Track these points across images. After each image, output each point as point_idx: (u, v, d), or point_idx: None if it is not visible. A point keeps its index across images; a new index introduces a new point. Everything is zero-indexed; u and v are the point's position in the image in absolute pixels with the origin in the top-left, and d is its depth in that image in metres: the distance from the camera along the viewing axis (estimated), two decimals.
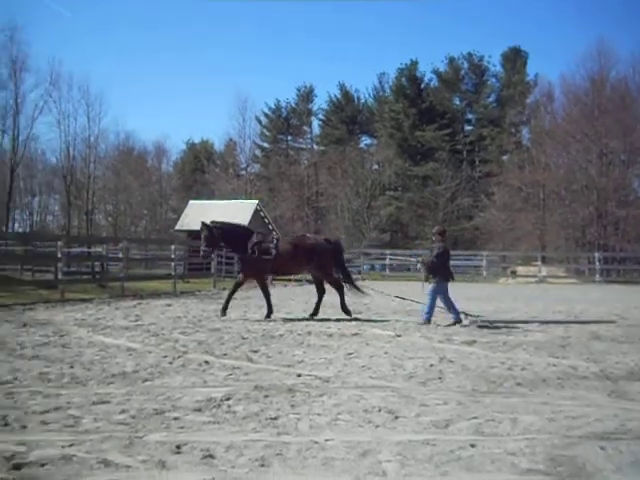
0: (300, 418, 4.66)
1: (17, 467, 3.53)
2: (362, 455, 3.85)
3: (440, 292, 11.21)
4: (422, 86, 67.97)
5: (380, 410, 4.90)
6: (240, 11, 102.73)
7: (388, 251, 38.84)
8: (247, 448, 3.93)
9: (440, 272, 11.31)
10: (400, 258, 31.85)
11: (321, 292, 12.38)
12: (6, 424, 4.37)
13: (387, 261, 37.14)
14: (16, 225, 59.24)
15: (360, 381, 6.04)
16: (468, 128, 69.04)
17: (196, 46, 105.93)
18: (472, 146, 66.06)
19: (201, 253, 12.60)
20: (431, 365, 6.97)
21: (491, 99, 68.08)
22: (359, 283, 13.51)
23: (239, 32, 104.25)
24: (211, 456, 3.78)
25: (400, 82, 68.18)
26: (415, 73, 67.71)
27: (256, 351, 7.81)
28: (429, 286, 11.36)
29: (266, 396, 5.29)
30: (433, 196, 58.23)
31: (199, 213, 38.80)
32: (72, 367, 6.55)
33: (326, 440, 4.11)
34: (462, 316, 11.19)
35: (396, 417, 4.73)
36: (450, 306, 11.22)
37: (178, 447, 3.93)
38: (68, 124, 49.28)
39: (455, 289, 11.99)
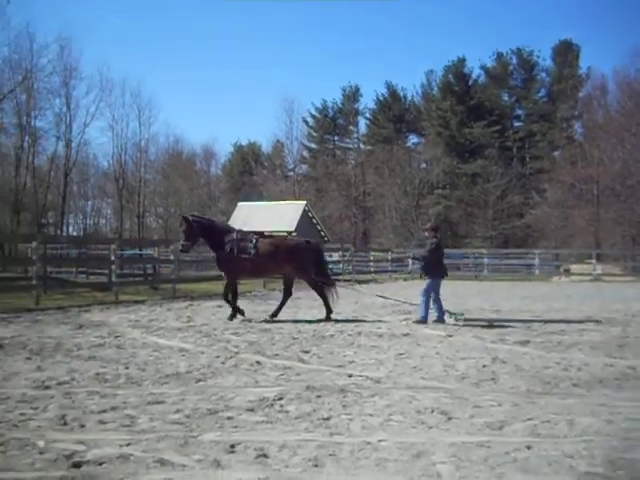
0: (352, 419, 4.66)
1: (77, 465, 3.62)
2: (416, 456, 3.83)
3: (433, 289, 11.08)
4: (470, 83, 67.10)
5: (433, 411, 4.87)
6: (285, 11, 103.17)
7: None
8: (300, 448, 3.96)
9: (434, 269, 11.18)
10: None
11: (287, 295, 12.17)
12: (65, 423, 4.49)
13: None
14: (70, 228, 60.83)
15: (412, 382, 6.00)
16: (517, 124, 67.74)
17: (243, 49, 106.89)
18: (522, 142, 64.83)
19: (179, 247, 12.34)
20: (484, 366, 6.89)
21: (541, 94, 66.71)
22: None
23: (285, 33, 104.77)
24: (265, 455, 3.81)
25: (447, 79, 67.46)
26: (462, 70, 66.89)
27: (307, 351, 7.84)
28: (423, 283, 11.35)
29: (318, 396, 5.31)
30: (482, 194, 57.41)
31: (248, 215, 39.25)
32: (127, 368, 6.69)
33: (379, 441, 4.10)
34: (446, 316, 11.11)
35: (449, 418, 4.70)
36: (438, 305, 11.11)
37: (232, 446, 3.98)
38: (120, 129, 50.41)
39: (508, 288, 11.85)
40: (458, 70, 66.69)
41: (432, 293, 11.06)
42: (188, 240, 11.77)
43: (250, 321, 11.21)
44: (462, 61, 66.80)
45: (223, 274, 12.37)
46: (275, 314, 11.75)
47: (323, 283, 12.10)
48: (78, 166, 49.35)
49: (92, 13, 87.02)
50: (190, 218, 11.85)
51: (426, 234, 11.88)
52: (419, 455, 3.86)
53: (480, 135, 62.33)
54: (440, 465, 3.69)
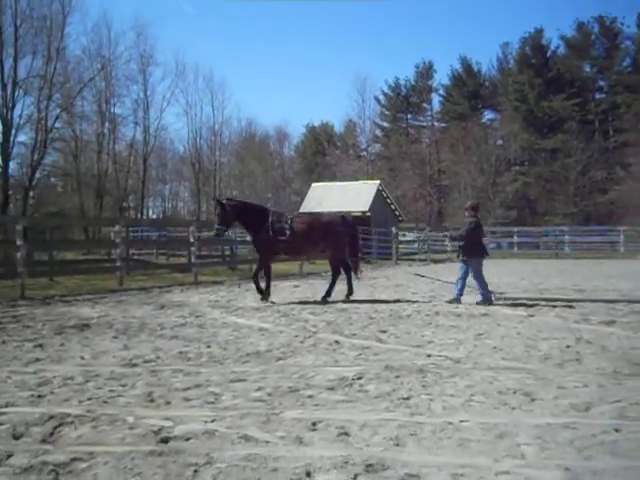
0: (433, 399, 4.62)
1: (164, 441, 3.74)
2: (499, 437, 3.77)
3: (474, 270, 10.77)
4: (548, 54, 64.83)
5: (515, 392, 4.78)
6: None
7: (516, 228, 37.59)
8: (381, 427, 3.96)
9: (473, 249, 10.85)
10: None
11: (336, 274, 11.99)
12: (152, 400, 4.64)
13: (515, 239, 35.96)
14: (150, 212, 62.67)
15: (492, 362, 5.90)
16: (600, 96, 65.05)
17: (314, 28, 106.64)
18: (605, 115, 62.25)
19: (214, 231, 12.01)
20: (567, 346, 6.70)
21: (626, 63, 63.70)
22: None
23: (356, 10, 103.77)
24: (346, 434, 3.84)
25: (524, 51, 65.39)
26: (540, 41, 64.67)
27: (384, 331, 7.83)
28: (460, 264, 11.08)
29: (397, 376, 5.29)
30: (563, 170, 55.57)
31: (322, 195, 39.32)
32: (209, 346, 6.85)
33: (461, 421, 4.06)
34: (493, 297, 10.83)
35: (533, 399, 4.60)
36: (483, 285, 10.76)
37: (314, 424, 4.02)
38: (194, 113, 51.35)
39: (592, 266, 11.43)
40: (536, 42, 64.51)
41: (471, 274, 10.77)
42: (222, 224, 11.53)
43: (274, 303, 11.15)
44: (540, 32, 64.63)
45: (259, 256, 12.23)
46: (328, 294, 11.61)
47: (353, 262, 12.05)
48: (156, 151, 50.60)
49: (166, 1, 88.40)
50: (224, 202, 11.69)
51: (466, 213, 11.50)
52: (502, 436, 3.79)
53: (560, 108, 60.18)
54: (524, 446, 3.62)
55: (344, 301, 11.36)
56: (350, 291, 11.76)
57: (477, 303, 10.63)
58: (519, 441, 3.70)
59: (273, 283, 15.65)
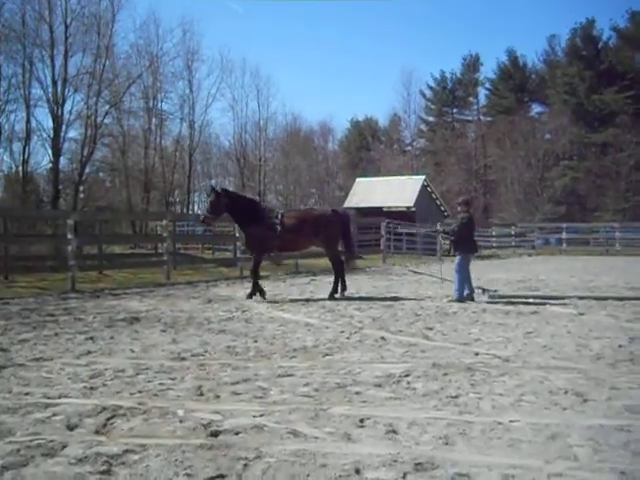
0: (481, 397, 4.57)
1: (214, 434, 3.78)
2: (550, 438, 3.71)
3: (460, 264, 10.64)
4: (600, 46, 63.20)
5: (567, 392, 4.69)
6: None
7: (564, 224, 36.85)
8: (430, 425, 3.93)
9: (464, 244, 10.70)
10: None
11: (338, 271, 11.61)
12: (201, 394, 4.70)
13: (563, 235, 35.26)
14: (195, 207, 63.40)
15: (542, 361, 5.79)
16: None
17: (358, 22, 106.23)
18: None
19: (201, 217, 11.82)
20: (620, 346, 6.54)
21: None
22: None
23: (402, 3, 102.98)
24: (394, 431, 3.82)
25: (574, 43, 63.86)
26: (591, 32, 63.09)
27: (431, 328, 7.77)
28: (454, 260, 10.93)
29: (445, 374, 5.24)
30: (614, 164, 54.12)
31: (366, 190, 39.23)
32: (256, 341, 6.90)
33: (510, 421, 4.00)
34: (478, 292, 10.71)
35: (585, 400, 4.50)
36: (464, 282, 10.61)
37: (362, 421, 4.01)
38: (240, 109, 51.68)
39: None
40: (586, 33, 62.93)
41: (459, 267, 10.65)
42: (212, 213, 11.27)
43: (276, 302, 11.03)
44: (591, 23, 63.00)
45: (250, 251, 12.05)
46: (334, 292, 11.40)
47: (348, 257, 11.88)
48: (201, 146, 51.06)
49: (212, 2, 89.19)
50: (219, 190, 11.44)
51: (458, 208, 11.32)
52: (554, 437, 3.73)
53: (611, 101, 58.61)
54: (577, 448, 3.55)
55: (340, 298, 11.19)
56: (344, 287, 11.56)
57: (449, 300, 10.55)
58: (571, 442, 3.63)
59: (317, 277, 15.79)
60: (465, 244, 10.77)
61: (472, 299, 10.60)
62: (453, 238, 10.98)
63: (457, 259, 10.85)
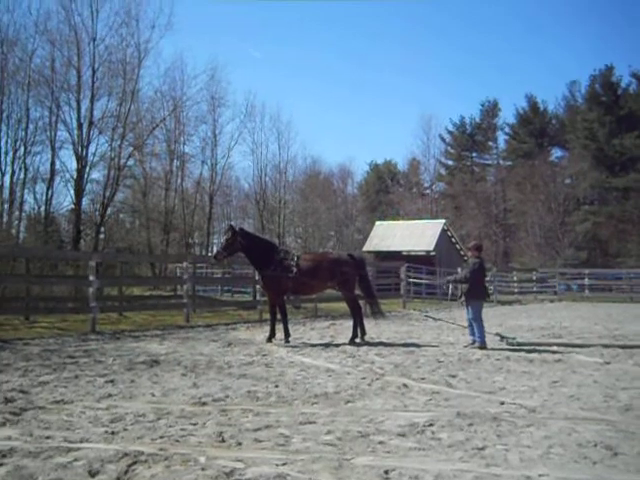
0: (508, 449, 4.46)
1: None
2: None
3: (474, 311, 10.54)
4: (619, 92, 63.43)
5: (596, 445, 4.56)
6: (419, 30, 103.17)
7: (587, 270, 36.43)
8: (456, 478, 3.84)
9: (474, 290, 10.56)
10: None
11: (357, 314, 11.58)
12: (223, 440, 4.64)
13: (586, 281, 34.84)
14: (214, 249, 63.74)
15: (570, 412, 5.67)
16: None
17: (378, 67, 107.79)
18: None
19: (214, 253, 11.64)
20: None
21: None
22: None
23: (419, 49, 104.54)
24: None
25: (594, 89, 64.17)
26: (611, 79, 63.42)
27: (454, 376, 7.65)
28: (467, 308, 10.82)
29: (470, 424, 5.13)
30: (636, 209, 53.70)
31: (385, 234, 39.21)
32: (277, 386, 6.83)
33: (539, 475, 3.89)
34: (496, 339, 10.73)
35: (615, 454, 4.38)
36: (481, 328, 10.53)
37: (386, 472, 3.93)
38: (260, 152, 52.21)
39: None
40: (606, 79, 63.28)
41: (470, 315, 10.59)
42: (226, 250, 11.28)
43: (296, 346, 10.99)
44: (610, 69, 63.37)
45: (266, 293, 12.01)
46: (354, 337, 11.35)
47: (368, 302, 11.79)
48: (222, 188, 51.49)
49: (235, 45, 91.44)
50: (237, 230, 11.44)
51: (469, 253, 11.21)
52: None
53: (632, 146, 58.47)
54: None
55: (361, 343, 11.11)
56: (363, 332, 11.48)
57: (472, 347, 10.41)
58: None
59: (337, 321, 15.69)
60: (476, 290, 10.67)
61: (485, 347, 10.42)
62: (467, 285, 10.82)
63: (471, 308, 10.70)
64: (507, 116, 74.72)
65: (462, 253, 40.20)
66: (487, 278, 12.40)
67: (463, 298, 10.86)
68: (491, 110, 70.77)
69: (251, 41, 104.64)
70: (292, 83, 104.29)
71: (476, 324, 10.52)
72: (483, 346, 10.31)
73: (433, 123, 64.34)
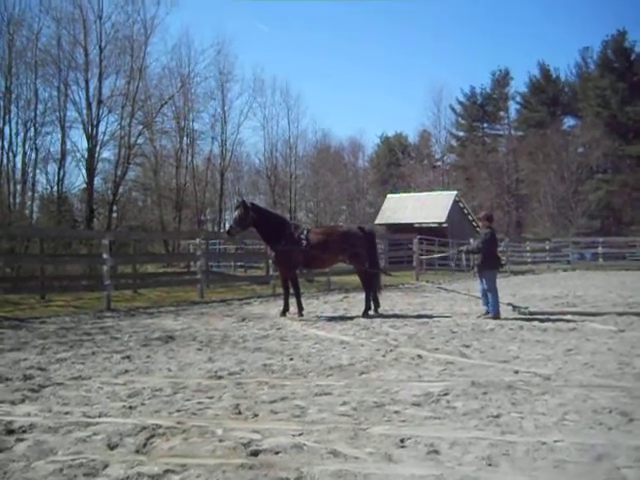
0: (523, 417, 4.47)
1: (254, 454, 3.76)
2: (597, 459, 3.61)
3: (488, 282, 10.52)
4: (632, 57, 62.41)
5: (611, 411, 4.56)
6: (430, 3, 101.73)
7: (600, 239, 36.23)
8: (472, 445, 3.85)
9: (487, 260, 10.55)
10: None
11: (368, 287, 11.51)
12: (239, 412, 4.68)
13: (599, 249, 34.66)
14: (226, 225, 63.83)
15: (584, 379, 5.67)
16: None
17: (388, 39, 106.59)
18: None
19: (226, 228, 11.56)
20: None
21: None
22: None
23: (432, 19, 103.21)
24: (436, 452, 3.75)
25: (606, 55, 63.20)
26: (623, 44, 62.39)
27: (468, 346, 7.66)
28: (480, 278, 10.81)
29: (484, 393, 5.15)
30: None
31: (397, 207, 39.13)
32: (292, 359, 6.88)
33: (555, 441, 3.90)
34: (509, 309, 10.66)
35: (631, 420, 4.38)
36: (496, 298, 10.51)
37: (402, 441, 3.95)
38: (271, 127, 51.99)
39: None
40: (618, 45, 62.28)
41: (488, 285, 10.55)
42: (239, 225, 11.23)
43: (310, 319, 11.00)
44: (622, 35, 62.32)
45: (277, 267, 12.06)
46: (367, 309, 11.32)
47: (376, 274, 11.71)
48: (232, 165, 51.43)
49: (242, 21, 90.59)
50: (249, 205, 11.42)
51: (480, 224, 11.12)
52: (600, 458, 3.62)
53: None
54: (626, 469, 3.45)
55: (375, 315, 11.14)
56: (377, 304, 11.49)
57: (485, 317, 10.41)
58: (619, 464, 3.53)
59: (350, 295, 15.73)
60: (488, 260, 10.65)
61: (499, 316, 10.44)
62: (480, 256, 10.80)
63: (485, 279, 10.68)
64: (519, 85, 73.91)
65: (474, 224, 40.09)
66: (499, 248, 12.28)
67: (476, 269, 10.86)
68: (502, 79, 69.96)
69: (258, 15, 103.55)
70: (300, 57, 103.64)
71: (490, 294, 10.51)
72: (497, 316, 10.32)
73: (444, 94, 63.96)
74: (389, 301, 13.65)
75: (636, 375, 5.83)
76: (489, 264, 10.64)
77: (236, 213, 11.34)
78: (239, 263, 29.69)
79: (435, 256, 20.11)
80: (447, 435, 4.06)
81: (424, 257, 21.55)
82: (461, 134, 72.34)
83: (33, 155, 30.33)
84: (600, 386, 5.39)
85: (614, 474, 3.39)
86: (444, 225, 36.02)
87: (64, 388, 5.53)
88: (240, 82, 46.72)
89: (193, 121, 42.62)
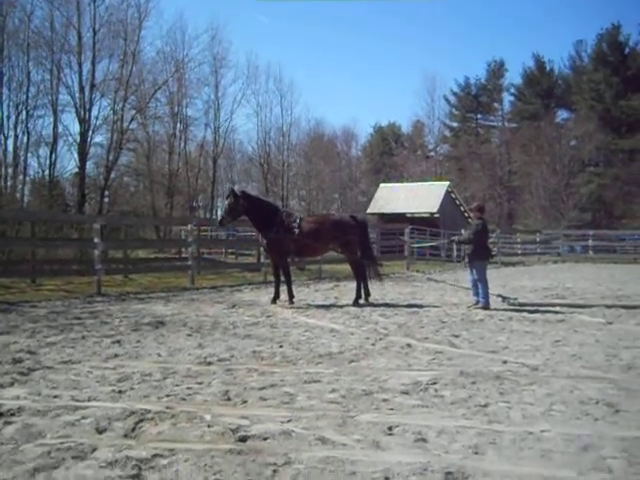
0: (511, 407, 4.51)
1: (243, 439, 3.78)
2: (583, 449, 3.65)
3: (478, 272, 10.56)
4: (626, 51, 62.48)
5: (598, 402, 4.61)
6: None
7: (591, 232, 36.39)
8: (459, 434, 3.89)
9: (478, 251, 10.59)
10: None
11: (359, 276, 11.52)
12: (229, 398, 4.70)
13: (590, 242, 34.82)
14: (219, 212, 63.69)
15: (572, 371, 5.71)
16: None
17: (382, 27, 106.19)
18: None
19: (219, 219, 11.66)
20: None
21: None
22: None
23: (426, 9, 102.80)
24: (423, 440, 3.78)
25: (600, 49, 63.21)
26: (617, 38, 62.41)
27: (457, 336, 7.71)
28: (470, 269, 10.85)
29: (473, 382, 5.19)
30: None
31: (389, 196, 39.15)
32: (281, 346, 6.90)
33: (541, 431, 3.94)
34: (498, 300, 10.74)
35: (617, 411, 4.43)
36: (485, 289, 10.55)
37: (390, 429, 3.98)
38: (264, 114, 51.75)
39: None
40: (612, 38, 62.29)
41: (478, 275, 10.58)
42: (230, 215, 11.20)
43: (301, 307, 10.97)
44: (617, 28, 62.33)
45: (269, 255, 12.19)
46: (358, 298, 11.33)
47: (370, 264, 11.70)
48: (225, 152, 51.22)
49: (237, 6, 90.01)
50: (239, 193, 11.34)
51: (472, 215, 11.15)
52: (587, 448, 3.66)
53: (639, 107, 57.89)
54: (611, 460, 3.49)
55: (365, 304, 11.15)
56: (367, 293, 11.51)
57: (475, 307, 10.44)
58: (604, 454, 3.57)
59: (341, 283, 15.76)
60: (479, 251, 10.67)
61: (488, 307, 10.47)
62: (471, 246, 10.81)
63: (475, 269, 10.71)
64: (513, 77, 73.79)
65: (466, 215, 40.20)
66: (490, 240, 12.31)
67: (467, 260, 10.89)
68: (497, 70, 69.89)
69: (254, 2, 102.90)
70: (294, 46, 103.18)
71: (481, 285, 10.56)
72: (486, 306, 10.36)
73: (437, 84, 63.87)
74: (379, 290, 13.66)
75: (623, 367, 5.88)
76: (480, 255, 10.67)
77: (226, 202, 11.34)
78: (230, 250, 29.67)
79: (425, 244, 20.14)
80: (435, 423, 4.09)
81: (415, 246, 21.59)
82: (454, 125, 72.31)
83: (25, 138, 30.05)
84: (587, 377, 5.44)
85: (599, 464, 3.43)
86: (436, 215, 36.08)
87: (53, 372, 5.53)
88: (234, 69, 46.61)
89: (186, 107, 42.34)
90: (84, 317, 9.20)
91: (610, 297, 12.43)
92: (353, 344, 7.05)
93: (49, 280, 14.40)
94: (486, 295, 10.50)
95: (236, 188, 12.04)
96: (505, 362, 6.06)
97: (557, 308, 10.44)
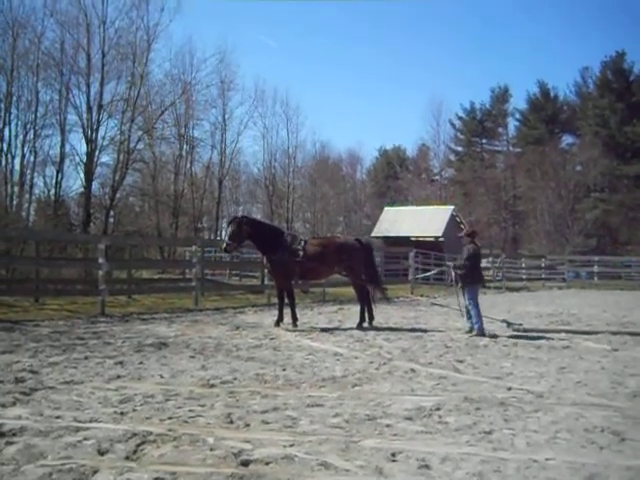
0: (515, 434, 4.47)
1: (245, 464, 3.75)
2: (588, 478, 3.63)
3: (470, 297, 10.44)
4: (631, 78, 62.78)
5: (603, 430, 4.57)
6: (431, 13, 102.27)
7: (596, 257, 36.28)
8: (463, 461, 3.85)
9: (470, 275, 10.50)
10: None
11: (363, 299, 11.51)
12: (231, 421, 4.67)
13: (595, 268, 34.70)
14: (223, 233, 63.76)
15: (577, 398, 5.67)
16: None
17: (388, 52, 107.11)
18: None
19: (223, 246, 11.60)
20: None
21: None
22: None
23: (432, 35, 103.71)
24: (427, 467, 3.75)
25: (605, 76, 63.54)
26: (622, 65, 62.78)
27: (461, 361, 7.66)
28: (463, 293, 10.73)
29: (477, 408, 5.15)
30: None
31: (394, 220, 39.13)
32: (284, 369, 6.87)
33: (546, 459, 3.91)
34: (503, 326, 10.71)
35: (622, 439, 4.39)
36: (478, 314, 10.37)
37: (393, 455, 3.95)
38: (271, 137, 52.06)
39: None
40: (617, 66, 62.67)
41: (469, 299, 10.47)
42: (234, 240, 11.16)
43: (304, 330, 10.88)
44: (621, 56, 62.71)
45: (273, 278, 12.16)
46: (362, 322, 11.32)
47: (373, 286, 11.64)
48: (231, 173, 51.47)
49: (245, 29, 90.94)
50: (240, 219, 11.43)
51: (463, 241, 11.10)
52: (592, 477, 3.63)
53: None
54: None
55: (369, 328, 11.09)
56: (371, 317, 11.46)
57: (470, 336, 10.14)
58: None
59: (345, 306, 15.71)
60: (472, 275, 10.61)
61: (484, 334, 10.23)
62: (464, 271, 10.74)
63: (467, 292, 10.62)
64: (518, 102, 74.12)
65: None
66: (483, 265, 12.29)
67: (460, 284, 10.83)
68: (502, 96, 70.22)
69: (262, 26, 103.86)
70: (301, 67, 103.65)
71: (472, 308, 10.46)
72: (481, 332, 10.21)
73: (443, 109, 63.98)
74: (383, 314, 13.60)
75: (629, 395, 5.83)
76: (472, 279, 10.61)
77: (229, 229, 11.36)
78: (234, 272, 29.64)
79: (430, 274, 20.08)
80: (438, 450, 4.05)
81: (419, 276, 21.50)
82: (460, 149, 72.51)
83: (32, 158, 30.41)
84: (592, 405, 5.40)
85: None
86: (441, 239, 35.99)
87: (56, 392, 5.51)
88: (241, 91, 46.66)
89: (193, 128, 42.70)
90: (87, 337, 9.18)
91: (615, 324, 12.37)
92: (357, 368, 7.01)
93: (52, 299, 14.39)
94: (479, 319, 10.37)
95: (239, 214, 12.06)
96: (510, 388, 6.02)
97: (562, 334, 10.37)
